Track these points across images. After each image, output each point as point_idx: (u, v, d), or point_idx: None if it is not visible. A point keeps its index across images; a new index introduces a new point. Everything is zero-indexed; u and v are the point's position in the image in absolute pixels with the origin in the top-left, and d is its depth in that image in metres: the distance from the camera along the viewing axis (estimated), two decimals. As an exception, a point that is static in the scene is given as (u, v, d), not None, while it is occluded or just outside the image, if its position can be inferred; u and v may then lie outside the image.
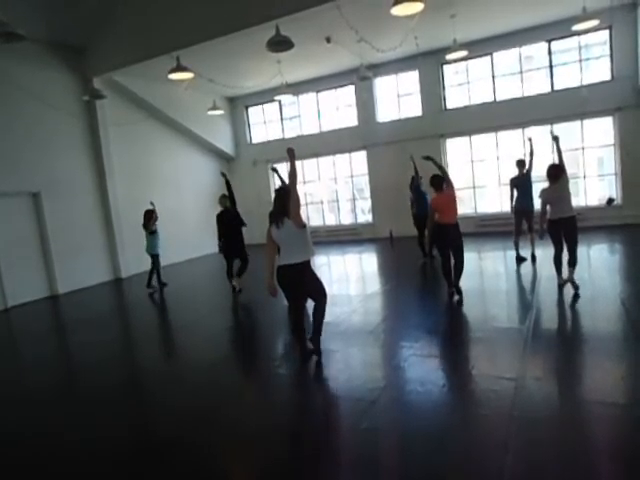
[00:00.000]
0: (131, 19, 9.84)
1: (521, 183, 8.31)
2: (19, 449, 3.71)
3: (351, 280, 9.46)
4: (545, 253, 8.84)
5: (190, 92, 12.36)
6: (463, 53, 9.96)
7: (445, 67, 13.13)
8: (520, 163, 8.41)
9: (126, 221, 11.41)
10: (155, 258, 9.47)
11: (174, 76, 8.78)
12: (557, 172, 6.21)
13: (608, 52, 11.44)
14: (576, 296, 5.97)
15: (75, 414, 4.23)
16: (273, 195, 4.87)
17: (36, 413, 4.34)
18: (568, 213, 6.14)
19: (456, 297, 6.52)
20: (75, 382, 5.26)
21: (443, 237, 6.44)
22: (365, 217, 15.32)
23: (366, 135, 14.10)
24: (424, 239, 9.43)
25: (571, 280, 6.19)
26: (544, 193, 6.32)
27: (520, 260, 8.30)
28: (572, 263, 6.21)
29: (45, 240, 10.30)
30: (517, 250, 8.38)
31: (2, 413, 4.49)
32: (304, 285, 4.54)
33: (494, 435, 3.13)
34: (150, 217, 9.37)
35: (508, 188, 8.58)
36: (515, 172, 8.51)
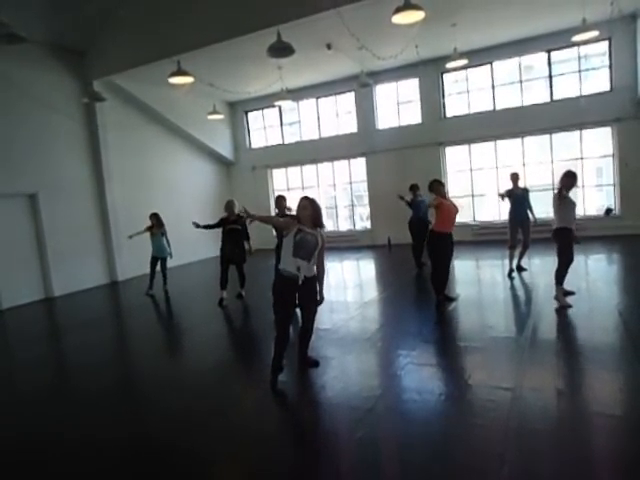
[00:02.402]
0: (132, 22, 9.85)
1: (515, 195, 8.18)
2: (14, 451, 3.66)
3: (348, 287, 9.42)
4: (544, 261, 8.85)
5: (190, 96, 12.38)
6: (463, 62, 9.99)
7: (445, 75, 13.18)
8: (514, 176, 8.31)
9: (123, 224, 11.35)
10: (163, 261, 9.62)
11: (174, 80, 8.78)
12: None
13: (607, 63, 11.51)
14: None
15: (69, 416, 4.18)
16: (273, 200, 4.82)
17: (31, 415, 4.28)
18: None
19: (452, 305, 6.51)
20: (69, 385, 5.20)
21: (443, 246, 6.36)
22: (363, 224, 15.32)
23: (366, 142, 14.12)
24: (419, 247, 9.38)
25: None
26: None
27: (512, 272, 8.09)
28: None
29: (41, 242, 10.25)
30: (510, 262, 8.21)
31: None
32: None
33: (490, 445, 3.09)
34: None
35: (505, 199, 8.40)
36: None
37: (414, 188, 9.51)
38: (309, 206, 4.30)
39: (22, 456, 3.59)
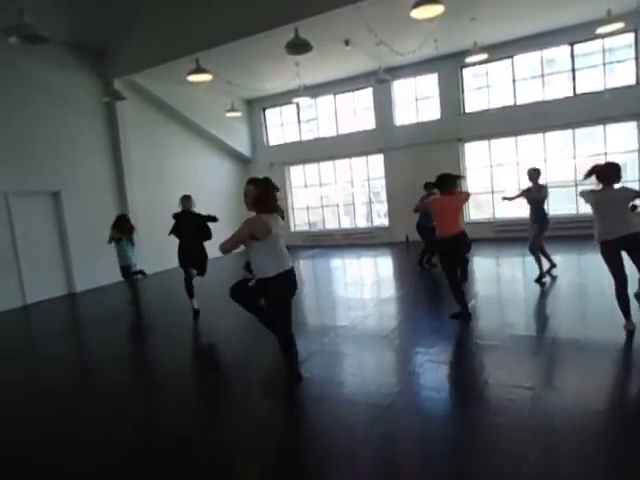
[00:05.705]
0: (152, 22, 9.96)
1: (533, 195, 7.30)
2: (32, 446, 3.74)
3: (366, 284, 9.39)
4: (565, 259, 8.68)
5: (208, 94, 12.46)
6: (483, 56, 9.83)
7: (464, 70, 13.01)
8: (533, 172, 7.30)
9: (143, 221, 11.46)
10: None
11: (193, 78, 8.85)
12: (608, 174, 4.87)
13: (633, 55, 11.21)
14: None
15: (84, 412, 4.25)
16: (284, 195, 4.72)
17: (52, 410, 4.37)
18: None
19: (471, 302, 6.42)
20: (90, 379, 5.30)
21: (445, 252, 5.74)
22: (381, 221, 15.24)
23: (384, 138, 14.04)
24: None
25: None
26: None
27: (541, 277, 7.31)
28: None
29: (64, 239, 10.46)
30: (549, 260, 7.48)
31: (19, 409, 4.53)
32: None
33: (510, 444, 3.05)
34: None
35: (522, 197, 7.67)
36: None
37: (429, 186, 8.90)
38: (253, 191, 3.87)
39: (44, 449, 3.67)
